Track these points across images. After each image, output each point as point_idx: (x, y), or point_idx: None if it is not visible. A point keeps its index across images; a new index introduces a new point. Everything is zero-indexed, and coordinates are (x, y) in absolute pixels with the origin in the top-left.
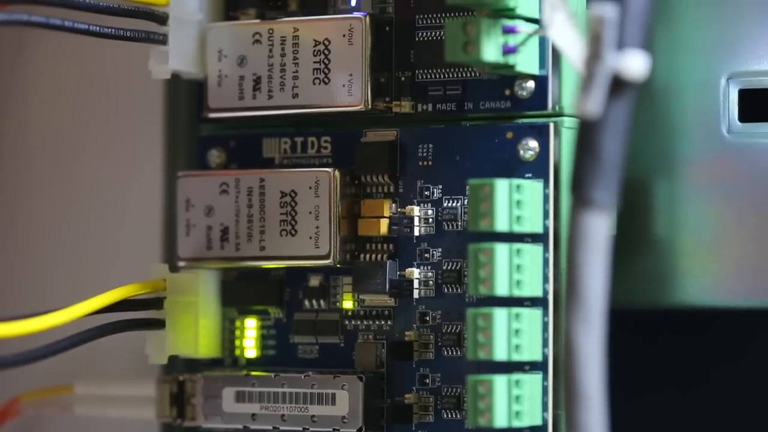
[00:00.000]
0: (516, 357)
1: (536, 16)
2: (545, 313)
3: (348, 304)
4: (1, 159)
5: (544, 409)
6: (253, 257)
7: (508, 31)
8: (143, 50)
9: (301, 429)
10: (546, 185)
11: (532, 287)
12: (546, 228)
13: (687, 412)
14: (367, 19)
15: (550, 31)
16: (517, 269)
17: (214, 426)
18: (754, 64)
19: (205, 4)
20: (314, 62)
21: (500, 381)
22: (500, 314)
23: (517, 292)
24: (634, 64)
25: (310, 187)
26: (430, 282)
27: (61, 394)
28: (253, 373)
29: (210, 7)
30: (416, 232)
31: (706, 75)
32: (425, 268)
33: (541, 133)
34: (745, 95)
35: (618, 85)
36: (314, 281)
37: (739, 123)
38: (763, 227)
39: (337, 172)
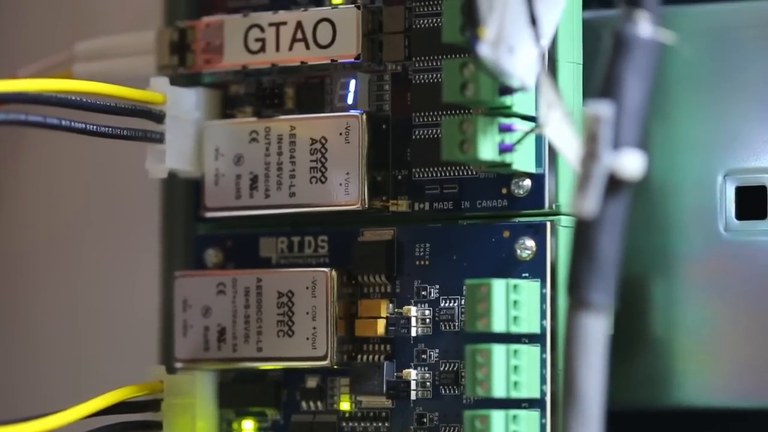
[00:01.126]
0: (515, 394)
1: (533, 114)
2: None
3: (345, 405)
4: None
5: None
6: (250, 358)
7: (505, 129)
8: (140, 148)
9: None
10: (543, 285)
11: (530, 388)
12: (543, 328)
13: None
14: (364, 117)
15: (547, 130)
16: (514, 370)
17: None
18: (751, 161)
19: (202, 102)
20: (311, 161)
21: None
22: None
23: (515, 394)
24: (631, 163)
25: (307, 288)
26: (428, 383)
27: None
28: None
29: (207, 106)
30: (413, 333)
31: (703, 172)
32: (422, 369)
33: (537, 232)
34: (742, 192)
35: (614, 183)
36: (311, 382)
37: (736, 221)
38: (761, 326)
39: (334, 272)
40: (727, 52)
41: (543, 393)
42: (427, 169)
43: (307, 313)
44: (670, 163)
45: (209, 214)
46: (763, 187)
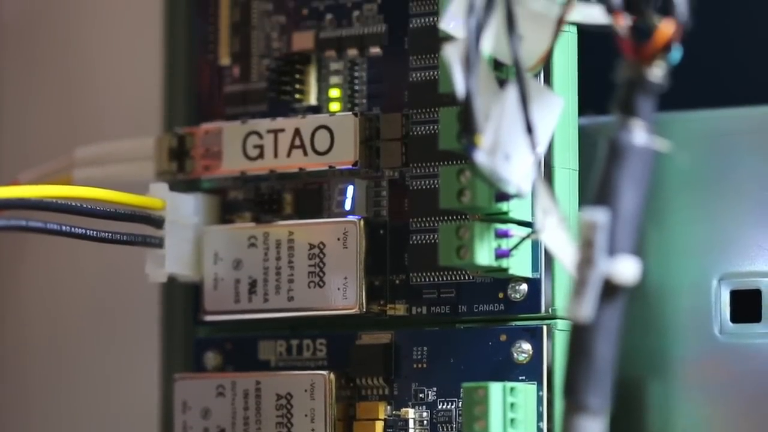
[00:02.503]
0: None
1: (529, 219)
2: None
3: None
4: None
5: None
6: None
7: (502, 235)
8: (140, 253)
9: None
10: (540, 387)
11: None
12: (540, 430)
13: None
14: (362, 222)
15: (543, 236)
16: None
17: None
18: (746, 265)
19: (201, 207)
20: (309, 265)
21: None
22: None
23: None
24: (626, 269)
25: (306, 390)
26: None
27: None
28: None
29: (206, 211)
30: None
31: (698, 276)
32: None
33: (534, 335)
34: (736, 296)
35: (610, 289)
36: None
37: (731, 324)
38: (757, 428)
39: (332, 375)
40: (722, 158)
41: None
42: (424, 274)
43: (306, 416)
44: (665, 266)
45: (209, 318)
46: (758, 290)
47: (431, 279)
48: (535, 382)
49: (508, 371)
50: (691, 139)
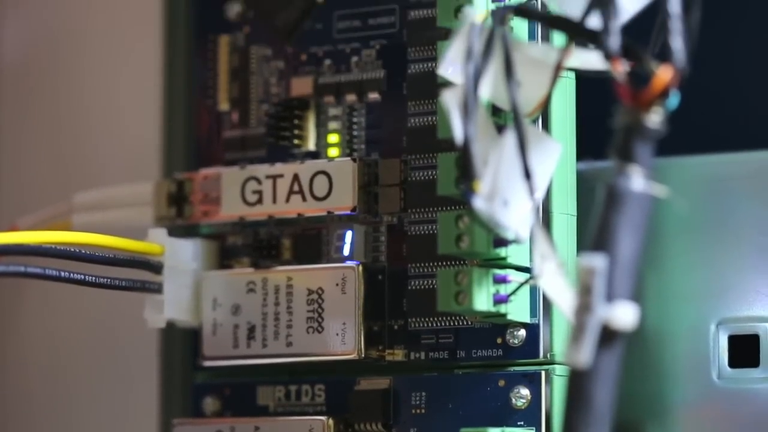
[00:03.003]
0: None
1: (527, 265)
2: None
3: None
4: None
5: None
6: None
7: (500, 280)
8: (139, 298)
9: None
10: None
11: None
12: None
13: None
14: (360, 268)
15: (541, 281)
16: None
17: None
18: (743, 310)
19: (200, 253)
20: (308, 311)
21: None
22: None
23: None
24: (624, 315)
25: None
26: None
27: None
28: None
29: (204, 256)
30: None
31: (696, 321)
32: None
33: (532, 381)
34: (734, 341)
35: (608, 334)
36: None
37: (729, 369)
38: None
39: (330, 421)
40: (720, 203)
41: None
42: (422, 319)
43: None
44: (663, 311)
45: (207, 363)
46: (756, 335)
47: (430, 324)
48: (534, 428)
49: (507, 416)
50: (689, 184)
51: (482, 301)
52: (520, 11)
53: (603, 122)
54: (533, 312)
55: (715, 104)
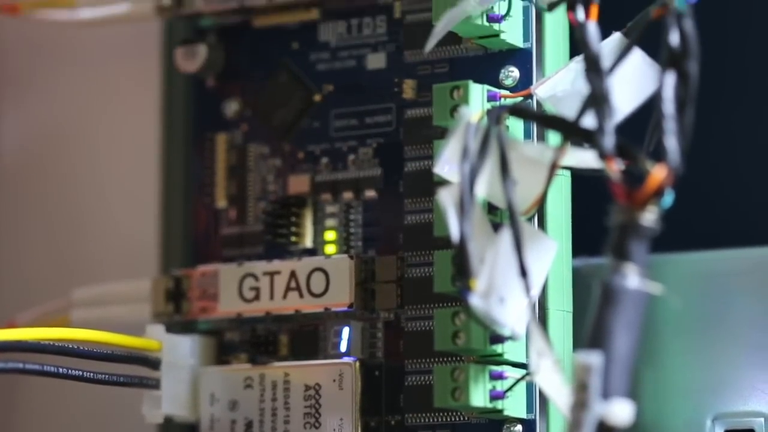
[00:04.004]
0: None
1: (523, 361)
2: None
3: None
4: None
5: None
6: None
7: (496, 376)
8: (137, 394)
9: None
10: None
11: None
12: None
13: None
14: (357, 364)
15: (537, 378)
16: None
17: None
18: (739, 405)
19: (197, 349)
20: (305, 407)
21: None
22: None
23: None
24: (620, 411)
25: None
26: None
27: None
28: None
29: (202, 352)
30: None
31: (692, 416)
32: None
33: None
34: None
35: (604, 431)
36: None
37: None
38: None
39: None
40: (715, 299)
41: None
42: (419, 415)
43: None
44: (659, 406)
45: None
46: (751, 430)
47: (427, 420)
48: None
49: None
50: (684, 280)
51: (479, 397)
52: (515, 111)
53: (598, 219)
54: (530, 408)
55: (709, 201)
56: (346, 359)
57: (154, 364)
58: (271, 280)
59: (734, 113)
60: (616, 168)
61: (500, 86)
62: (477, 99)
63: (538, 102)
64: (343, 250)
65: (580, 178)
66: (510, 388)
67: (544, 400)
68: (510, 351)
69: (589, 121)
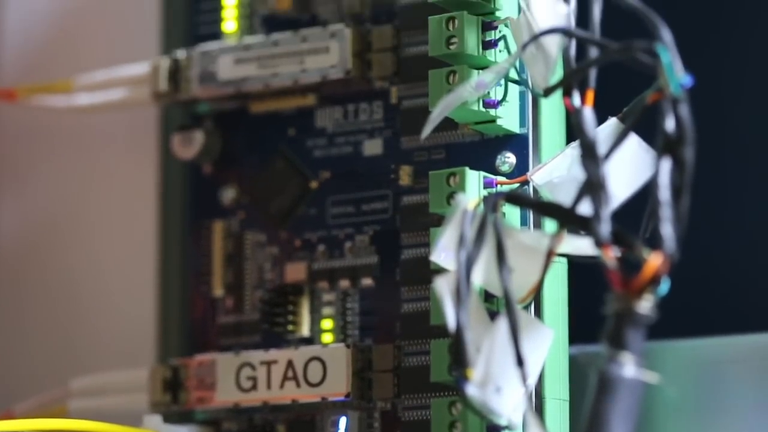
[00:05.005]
0: None
1: None
2: None
3: None
4: None
5: None
6: None
7: None
8: None
9: None
10: None
11: None
12: None
13: None
14: None
15: None
16: None
17: None
18: None
19: None
20: None
21: None
22: None
23: None
24: None
25: None
26: None
27: None
28: None
29: None
30: None
31: None
32: None
33: None
34: None
35: None
36: None
37: None
38: None
39: None
40: (711, 386)
41: None
42: None
43: None
44: None
45: None
46: None
47: None
48: None
49: None
50: (682, 367)
51: None
52: (511, 198)
53: (595, 306)
54: None
55: (704, 287)
56: None
57: None
58: (268, 370)
59: (728, 199)
60: (612, 256)
61: (497, 172)
62: (473, 186)
63: (534, 188)
64: (340, 338)
65: (577, 265)
66: None
67: None
68: None
69: (585, 209)
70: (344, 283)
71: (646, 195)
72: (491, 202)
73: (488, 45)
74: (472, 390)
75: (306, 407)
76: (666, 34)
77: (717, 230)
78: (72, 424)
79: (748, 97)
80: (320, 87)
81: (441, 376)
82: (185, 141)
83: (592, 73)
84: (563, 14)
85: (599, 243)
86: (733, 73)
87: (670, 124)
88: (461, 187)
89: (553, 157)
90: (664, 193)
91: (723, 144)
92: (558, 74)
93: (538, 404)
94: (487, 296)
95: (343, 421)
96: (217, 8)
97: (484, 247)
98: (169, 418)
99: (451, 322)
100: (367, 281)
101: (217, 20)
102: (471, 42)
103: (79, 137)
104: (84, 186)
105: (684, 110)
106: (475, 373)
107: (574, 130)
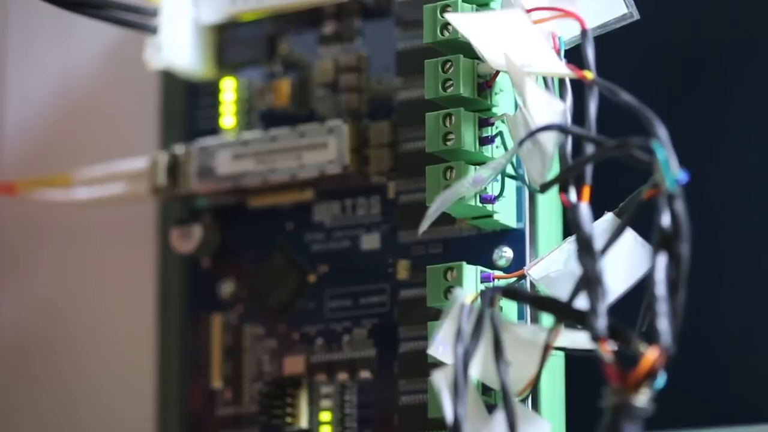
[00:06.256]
0: None
1: None
2: None
3: None
4: None
5: None
6: None
7: None
8: None
9: None
10: None
11: None
12: None
13: None
14: None
15: None
16: None
17: None
18: None
19: None
20: None
21: None
22: None
23: None
24: None
25: None
26: None
27: None
28: None
29: None
30: None
31: None
32: None
33: None
34: None
35: None
36: None
37: None
38: None
39: None
40: None
41: None
42: None
43: None
44: None
45: None
46: None
47: None
48: None
49: None
50: None
51: None
52: (508, 292)
53: (592, 400)
54: None
55: (700, 379)
56: None
57: None
58: None
59: (723, 292)
60: (608, 350)
61: (494, 266)
62: (471, 280)
63: (531, 282)
64: (338, 430)
65: (574, 359)
66: None
67: None
68: None
69: (581, 303)
70: (342, 376)
71: (642, 288)
72: (488, 297)
73: (485, 141)
74: None
75: None
76: (662, 131)
77: (714, 321)
78: None
79: (743, 196)
80: (318, 182)
81: None
82: (184, 235)
83: (589, 169)
84: (559, 111)
85: (596, 337)
86: (730, 171)
87: (665, 219)
88: (458, 281)
89: (549, 251)
90: (660, 288)
91: (717, 239)
92: (554, 170)
93: None
94: (485, 389)
95: None
96: (215, 104)
97: (481, 341)
98: None
99: (448, 415)
100: (365, 374)
101: (216, 115)
102: (468, 138)
103: (79, 231)
104: (83, 279)
105: (679, 206)
106: None
107: (570, 225)
